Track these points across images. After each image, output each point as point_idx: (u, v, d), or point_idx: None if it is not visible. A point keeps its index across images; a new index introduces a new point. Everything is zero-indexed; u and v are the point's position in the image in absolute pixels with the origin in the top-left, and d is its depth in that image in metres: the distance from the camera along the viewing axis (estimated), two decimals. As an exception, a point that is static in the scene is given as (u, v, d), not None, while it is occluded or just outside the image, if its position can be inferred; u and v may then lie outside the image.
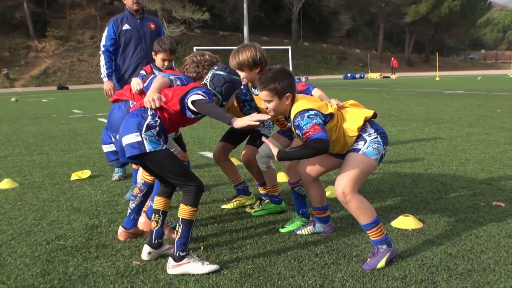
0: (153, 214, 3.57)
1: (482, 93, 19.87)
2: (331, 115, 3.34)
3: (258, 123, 3.14)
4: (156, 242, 3.56)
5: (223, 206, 4.86)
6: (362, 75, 49.99)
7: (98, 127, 11.97)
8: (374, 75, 49.55)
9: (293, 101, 3.40)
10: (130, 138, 3.27)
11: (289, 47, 30.49)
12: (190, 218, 3.30)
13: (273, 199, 4.61)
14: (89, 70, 51.25)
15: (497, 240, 3.73)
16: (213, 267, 3.32)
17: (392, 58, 58.17)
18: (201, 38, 59.01)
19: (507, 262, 3.34)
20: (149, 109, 3.38)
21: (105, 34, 5.87)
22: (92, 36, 54.62)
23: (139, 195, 3.92)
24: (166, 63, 4.68)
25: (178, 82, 3.58)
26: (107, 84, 5.84)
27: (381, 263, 3.28)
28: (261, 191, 4.77)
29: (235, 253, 3.63)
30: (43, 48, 52.16)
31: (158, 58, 4.67)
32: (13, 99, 25.31)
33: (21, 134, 11.10)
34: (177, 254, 3.30)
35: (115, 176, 6.20)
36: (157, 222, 3.55)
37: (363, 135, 3.41)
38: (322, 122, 3.24)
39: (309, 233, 4.00)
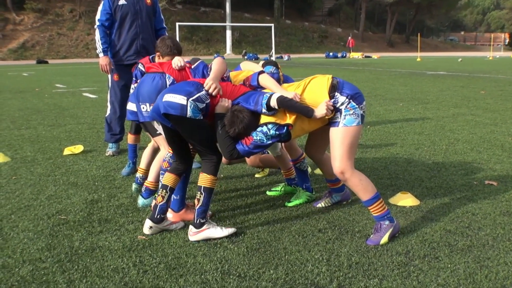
0: (161, 189, 3.60)
1: (464, 75, 20.09)
2: (287, 125, 3.36)
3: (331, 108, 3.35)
4: (158, 217, 3.60)
5: (257, 175, 5.16)
6: (344, 54, 49.97)
7: (84, 102, 11.84)
8: (356, 55, 49.60)
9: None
10: (174, 98, 3.29)
11: (272, 25, 30.18)
12: (211, 186, 3.47)
13: (290, 182, 4.51)
14: (69, 44, 50.32)
15: (493, 217, 3.85)
16: (231, 230, 3.50)
17: (350, 37, 56.24)
18: (182, 14, 58.25)
19: (504, 238, 3.45)
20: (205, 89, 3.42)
21: (100, 8, 5.73)
22: (71, 9, 53.50)
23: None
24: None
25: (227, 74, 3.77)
26: (103, 60, 5.72)
27: (384, 239, 3.36)
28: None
29: (239, 229, 3.68)
30: (21, 21, 50.91)
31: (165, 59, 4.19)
32: (-9, 72, 24.83)
33: (5, 108, 10.91)
34: (197, 222, 3.43)
35: (109, 152, 6.17)
36: (163, 197, 3.59)
37: (336, 107, 3.39)
38: (263, 138, 3.34)
39: (329, 204, 4.16)
